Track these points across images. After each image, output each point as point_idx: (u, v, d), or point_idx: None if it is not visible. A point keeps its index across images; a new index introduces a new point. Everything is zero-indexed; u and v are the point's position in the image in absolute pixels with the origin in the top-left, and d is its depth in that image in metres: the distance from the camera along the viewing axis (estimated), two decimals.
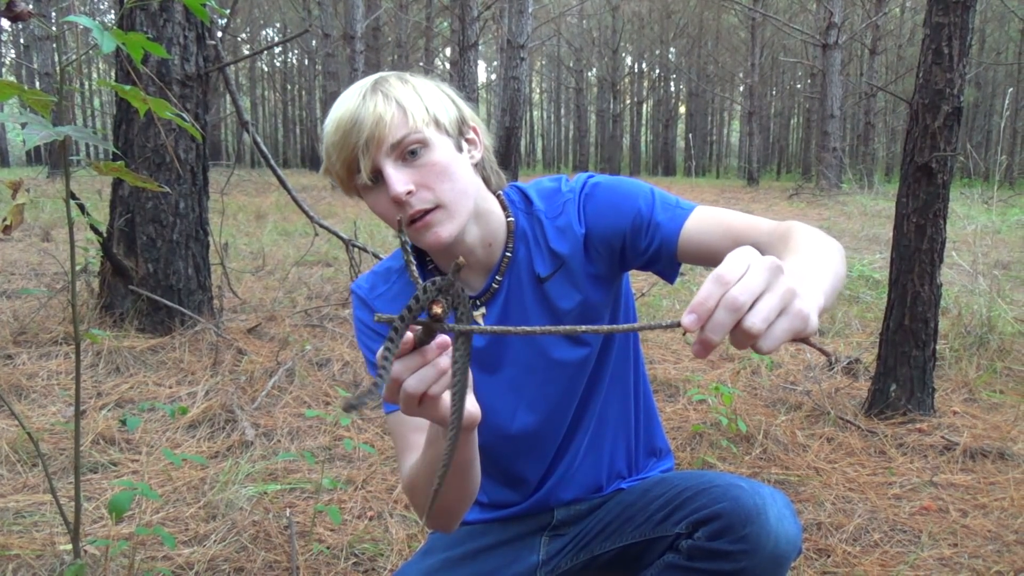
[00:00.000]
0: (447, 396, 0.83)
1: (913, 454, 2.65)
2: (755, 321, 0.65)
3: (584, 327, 0.68)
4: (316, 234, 5.06)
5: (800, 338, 0.68)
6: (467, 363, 0.80)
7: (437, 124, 1.06)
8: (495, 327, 0.69)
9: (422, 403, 0.81)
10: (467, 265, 1.15)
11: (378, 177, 1.05)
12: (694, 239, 1.05)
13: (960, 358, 3.62)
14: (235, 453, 2.61)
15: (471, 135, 1.12)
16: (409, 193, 1.03)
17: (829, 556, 2.01)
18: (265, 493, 2.28)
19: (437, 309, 0.74)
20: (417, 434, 1.08)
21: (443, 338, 0.79)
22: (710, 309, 0.65)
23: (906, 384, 2.90)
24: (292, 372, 3.34)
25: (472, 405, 0.89)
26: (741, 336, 0.66)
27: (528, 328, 0.69)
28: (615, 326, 0.68)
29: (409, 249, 0.79)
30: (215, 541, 2.01)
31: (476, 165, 1.13)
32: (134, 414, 2.84)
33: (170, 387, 3.16)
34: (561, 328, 0.68)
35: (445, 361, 0.80)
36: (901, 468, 2.54)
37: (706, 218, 1.06)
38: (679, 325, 0.66)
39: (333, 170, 1.08)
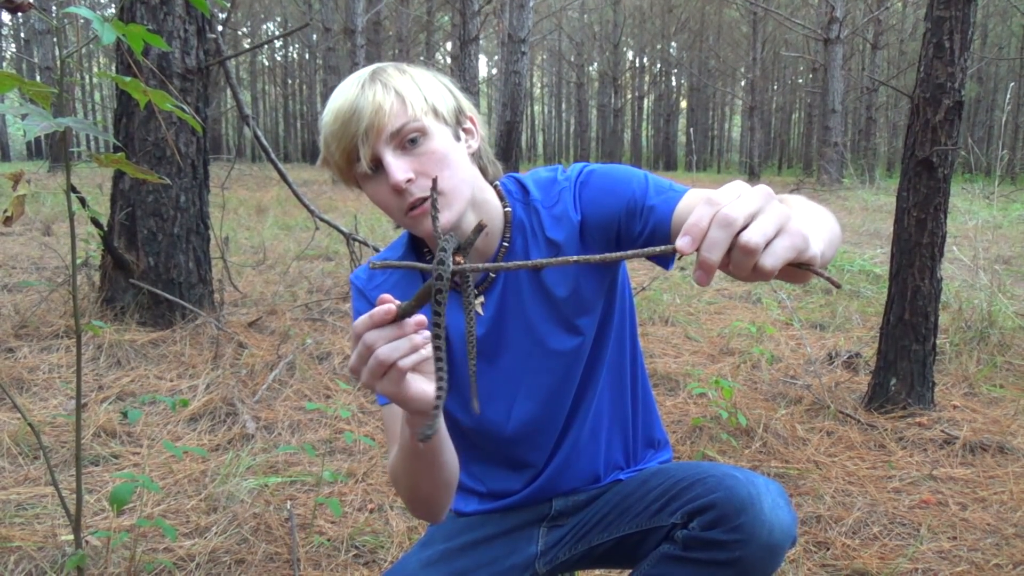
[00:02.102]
0: (412, 378, 0.84)
1: (913, 448, 2.66)
2: (752, 235, 0.63)
3: (586, 256, 0.67)
4: (317, 228, 5.06)
5: (803, 261, 0.67)
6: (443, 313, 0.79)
7: (435, 113, 1.07)
8: (499, 264, 0.70)
9: (387, 374, 0.81)
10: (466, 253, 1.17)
11: (378, 166, 1.05)
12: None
13: (960, 352, 3.62)
14: (236, 446, 2.61)
15: (468, 125, 1.13)
16: (409, 181, 1.03)
17: (828, 549, 2.01)
18: (266, 486, 2.29)
19: (459, 259, 0.76)
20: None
21: (420, 316, 0.80)
22: (703, 229, 0.64)
23: (906, 378, 2.91)
24: (293, 366, 3.34)
25: (427, 384, 0.86)
26: (740, 255, 0.64)
27: (533, 262, 0.69)
28: (609, 254, 0.67)
29: (438, 206, 0.80)
30: (216, 533, 2.02)
31: (473, 155, 1.13)
32: (135, 407, 2.84)
33: (171, 380, 3.17)
34: (567, 259, 0.67)
35: (419, 339, 0.81)
36: (901, 462, 2.54)
37: (699, 198, 1.05)
38: (675, 250, 0.65)
39: (332, 160, 1.08)
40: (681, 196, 1.07)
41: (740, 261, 0.65)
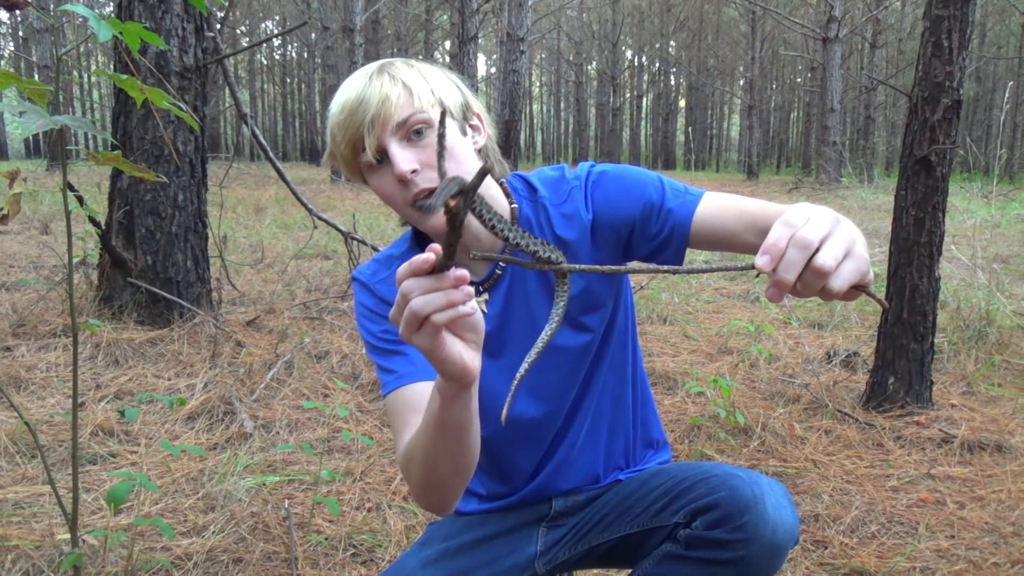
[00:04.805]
0: (449, 339, 0.80)
1: (911, 447, 2.66)
2: (826, 259, 0.69)
3: (654, 266, 0.74)
4: (315, 227, 5.05)
5: (862, 284, 0.72)
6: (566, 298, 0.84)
7: (442, 106, 1.06)
8: (582, 267, 0.78)
9: (422, 327, 0.77)
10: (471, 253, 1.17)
11: (383, 157, 1.05)
12: (708, 223, 1.06)
13: (958, 351, 3.62)
14: (234, 445, 2.61)
15: (475, 121, 1.13)
16: (414, 172, 1.03)
17: (826, 547, 2.01)
18: (264, 484, 2.29)
19: (452, 203, 0.69)
20: (416, 415, 1.06)
21: (461, 272, 0.76)
22: (782, 249, 0.69)
23: (904, 377, 2.91)
24: (291, 364, 3.34)
25: (471, 361, 0.83)
26: (812, 276, 0.69)
27: (601, 267, 0.75)
28: (680, 266, 0.75)
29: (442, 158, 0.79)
30: (214, 532, 2.01)
31: (480, 151, 1.13)
32: (133, 406, 2.83)
33: (169, 379, 3.16)
34: (632, 267, 0.74)
35: (458, 295, 0.76)
36: (899, 460, 2.54)
37: (718, 203, 1.07)
38: (753, 267, 0.70)
39: (338, 151, 1.08)
40: (699, 199, 1.08)
41: (811, 282, 0.70)
